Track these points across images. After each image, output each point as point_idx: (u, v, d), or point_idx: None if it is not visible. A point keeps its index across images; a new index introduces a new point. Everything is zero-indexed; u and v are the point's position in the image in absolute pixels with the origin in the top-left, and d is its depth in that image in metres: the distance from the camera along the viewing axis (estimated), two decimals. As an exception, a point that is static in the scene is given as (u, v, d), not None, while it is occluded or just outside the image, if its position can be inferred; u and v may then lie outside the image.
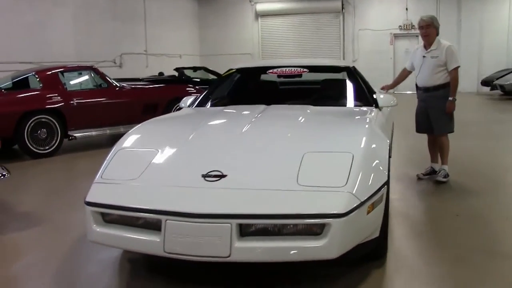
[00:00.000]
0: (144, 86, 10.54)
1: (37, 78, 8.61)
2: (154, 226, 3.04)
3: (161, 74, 14.49)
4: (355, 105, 4.95)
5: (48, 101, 8.46)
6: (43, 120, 8.36)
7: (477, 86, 20.79)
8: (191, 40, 22.23)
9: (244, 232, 2.92)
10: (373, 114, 4.48)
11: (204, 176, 3.17)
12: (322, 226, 2.87)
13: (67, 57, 12.96)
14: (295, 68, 5.46)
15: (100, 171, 3.48)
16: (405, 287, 3.39)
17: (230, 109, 4.71)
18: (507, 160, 7.66)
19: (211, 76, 14.59)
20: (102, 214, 3.23)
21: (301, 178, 3.07)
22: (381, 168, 3.35)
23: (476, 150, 8.21)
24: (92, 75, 9.26)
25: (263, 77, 6.27)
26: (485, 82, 20.08)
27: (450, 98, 5.84)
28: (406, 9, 22.08)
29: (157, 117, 4.92)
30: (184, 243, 2.90)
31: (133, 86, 9.98)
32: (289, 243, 2.90)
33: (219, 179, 3.13)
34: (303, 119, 4.05)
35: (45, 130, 8.38)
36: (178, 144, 3.65)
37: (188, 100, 5.43)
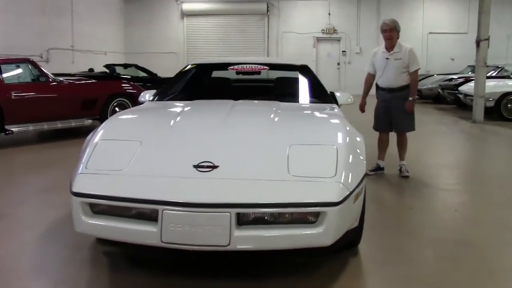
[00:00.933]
0: (82, 81, 10.28)
1: (-29, 69, 8.23)
2: (148, 217, 3.04)
3: (91, 70, 14.13)
4: (317, 102, 5.13)
5: (-16, 93, 8.10)
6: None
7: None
8: (116, 37, 21.82)
9: (242, 221, 2.99)
10: (337, 110, 4.70)
11: (195, 166, 3.19)
12: (317, 214, 3.00)
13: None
14: (256, 65, 5.58)
15: (82, 162, 3.40)
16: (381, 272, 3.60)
17: (200, 103, 4.74)
18: (443, 158, 8.13)
19: (142, 74, 14.41)
20: (91, 205, 3.17)
21: (292, 169, 3.18)
22: (362, 161, 3.54)
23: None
24: (30, 68, 8.93)
25: (216, 74, 6.37)
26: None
27: (410, 98, 6.19)
28: (329, 14, 22.80)
29: (127, 110, 4.89)
30: (182, 233, 2.92)
31: (71, 81, 9.73)
32: (287, 231, 2.99)
33: (211, 170, 3.17)
34: (277, 113, 4.15)
35: (-21, 123, 8.03)
36: (161, 135, 3.67)
37: (147, 94, 5.48)
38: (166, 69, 16.43)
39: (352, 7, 22.92)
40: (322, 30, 22.98)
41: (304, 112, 4.73)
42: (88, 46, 18.43)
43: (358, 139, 3.81)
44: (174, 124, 3.85)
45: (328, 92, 5.36)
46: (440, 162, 7.73)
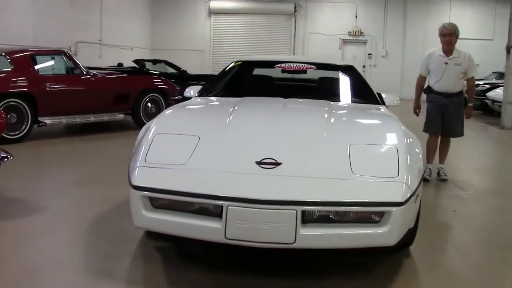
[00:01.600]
0: (115, 75, 10.22)
1: (8, 59, 8.14)
2: (211, 212, 2.99)
3: (120, 65, 14.07)
4: (365, 103, 5.04)
5: (19, 84, 8.03)
6: (12, 104, 7.93)
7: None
8: (142, 33, 21.83)
9: (307, 219, 2.96)
10: (388, 111, 4.66)
11: (258, 163, 3.16)
12: (382, 214, 3.00)
13: (24, 41, 12.33)
14: (303, 64, 5.49)
15: (140, 155, 3.33)
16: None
17: (250, 100, 4.64)
18: (475, 162, 7.97)
19: (171, 70, 14.34)
20: (151, 199, 3.11)
21: (354, 168, 3.16)
22: (420, 161, 3.54)
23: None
24: (64, 60, 8.87)
25: (258, 72, 6.27)
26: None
27: (470, 104, 6.33)
28: (356, 16, 22.65)
29: (177, 104, 4.80)
30: (247, 230, 2.89)
31: (104, 75, 9.66)
32: (352, 230, 3.00)
33: (275, 167, 3.14)
34: (331, 112, 4.09)
35: (15, 114, 7.96)
36: (219, 131, 3.60)
37: (191, 90, 5.44)
38: (192, 67, 16.42)
39: (379, 10, 22.79)
40: (349, 32, 22.86)
41: (357, 112, 4.65)
42: (115, 41, 18.44)
43: (414, 140, 3.77)
44: (231, 119, 3.79)
45: (375, 93, 5.26)
46: (473, 167, 7.75)
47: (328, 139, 3.49)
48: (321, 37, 22.60)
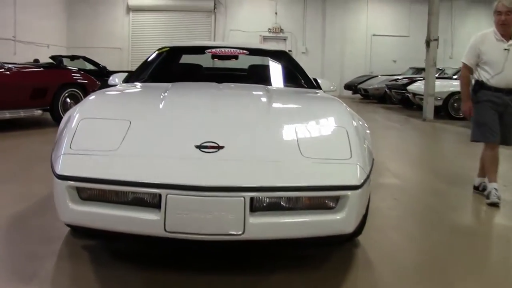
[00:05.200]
0: (31, 69, 9.76)
1: None
2: (148, 203, 2.69)
3: (36, 61, 13.54)
4: (302, 87, 4.92)
5: None
6: None
7: (339, 90, 21.93)
8: (58, 30, 21.07)
9: (256, 207, 2.73)
10: (327, 95, 4.52)
11: (198, 147, 2.88)
12: (337, 199, 2.79)
13: None
14: (235, 49, 5.31)
15: (64, 142, 3.00)
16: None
17: (183, 84, 4.46)
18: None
19: (89, 66, 13.95)
20: (79, 190, 2.76)
21: (304, 150, 2.92)
22: (369, 144, 3.35)
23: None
24: (-24, 53, 8.42)
25: (186, 60, 6.11)
26: (347, 86, 21.43)
27: None
28: (276, 13, 22.88)
29: (102, 90, 4.52)
30: (189, 221, 2.60)
31: (20, 68, 9.22)
32: (306, 218, 2.76)
33: (217, 151, 2.86)
34: (270, 95, 3.90)
35: None
36: (151, 114, 3.33)
37: (116, 78, 5.16)
38: (110, 64, 16.00)
39: (299, 7, 23.16)
40: (269, 29, 23.08)
41: (297, 95, 4.44)
42: (31, 38, 17.69)
43: (361, 121, 3.63)
44: (164, 103, 3.50)
45: (312, 78, 5.13)
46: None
47: (271, 121, 3.24)
48: (241, 34, 22.64)
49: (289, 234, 2.76)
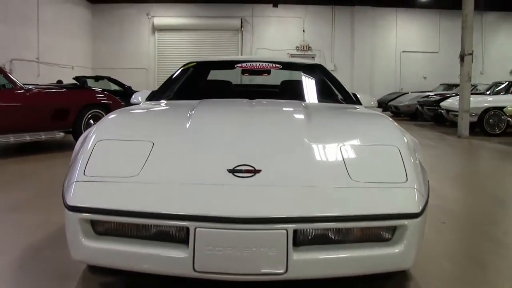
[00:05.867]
0: (53, 90, 9.35)
1: None
2: (174, 237, 2.32)
3: (59, 82, 13.23)
4: (342, 103, 4.46)
5: None
6: None
7: (370, 107, 21.48)
8: (83, 51, 20.92)
9: (300, 240, 2.30)
10: (368, 110, 4.00)
11: (231, 171, 2.44)
12: (393, 229, 2.36)
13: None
14: (267, 63, 4.84)
15: (77, 167, 2.57)
16: None
17: (211, 101, 3.95)
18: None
19: (114, 87, 13.59)
20: (93, 223, 2.39)
21: (352, 173, 2.48)
22: (422, 163, 2.89)
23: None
24: (-6, 73, 8.02)
25: (214, 77, 5.62)
26: (378, 104, 20.80)
27: None
28: (303, 31, 22.52)
29: (123, 108, 4.02)
30: (222, 258, 2.20)
31: (41, 89, 8.81)
32: (358, 253, 2.33)
33: (253, 175, 2.42)
34: (309, 111, 3.38)
35: None
36: (178, 135, 2.87)
37: (139, 96, 4.70)
38: (136, 85, 15.75)
39: (327, 24, 22.80)
40: (296, 47, 22.72)
41: (338, 110, 3.94)
42: (55, 60, 17.48)
43: (411, 138, 3.13)
44: (191, 122, 3.03)
45: (351, 93, 4.67)
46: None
47: (314, 140, 2.76)
48: (269, 52, 22.28)
49: (338, 271, 2.37)
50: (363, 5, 22.51)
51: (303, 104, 3.70)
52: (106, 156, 2.65)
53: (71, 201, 2.38)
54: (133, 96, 4.77)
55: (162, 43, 22.48)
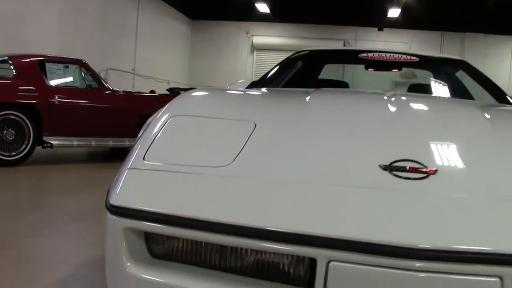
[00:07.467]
0: (141, 93, 8.69)
1: (10, 64, 6.69)
2: (284, 273, 1.33)
3: (152, 92, 12.79)
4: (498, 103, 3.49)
5: (21, 94, 6.55)
6: (11, 117, 6.43)
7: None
8: (180, 67, 20.74)
9: None
10: None
11: (387, 168, 1.42)
12: None
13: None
14: (398, 55, 3.83)
15: (135, 151, 1.63)
16: None
17: (331, 90, 3.06)
18: None
19: (208, 101, 12.90)
20: (148, 238, 1.42)
21: None
22: None
23: None
24: (82, 71, 7.37)
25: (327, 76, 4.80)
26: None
27: None
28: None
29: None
30: None
31: (128, 92, 8.13)
32: None
33: (425, 176, 1.40)
34: (477, 106, 2.32)
35: (12, 131, 6.43)
36: (294, 112, 1.92)
37: (237, 85, 3.82)
38: (231, 104, 15.08)
39: (435, 50, 21.59)
40: (401, 74, 21.43)
41: (504, 107, 2.89)
42: (151, 72, 17.21)
43: None
44: (310, 98, 2.07)
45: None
46: None
47: (502, 136, 1.77)
48: (372, 75, 21.15)
49: None
50: (474, 32, 21.04)
51: (460, 101, 2.79)
52: (180, 137, 1.70)
53: (115, 200, 1.43)
54: (229, 86, 3.86)
55: (261, 63, 21.94)
